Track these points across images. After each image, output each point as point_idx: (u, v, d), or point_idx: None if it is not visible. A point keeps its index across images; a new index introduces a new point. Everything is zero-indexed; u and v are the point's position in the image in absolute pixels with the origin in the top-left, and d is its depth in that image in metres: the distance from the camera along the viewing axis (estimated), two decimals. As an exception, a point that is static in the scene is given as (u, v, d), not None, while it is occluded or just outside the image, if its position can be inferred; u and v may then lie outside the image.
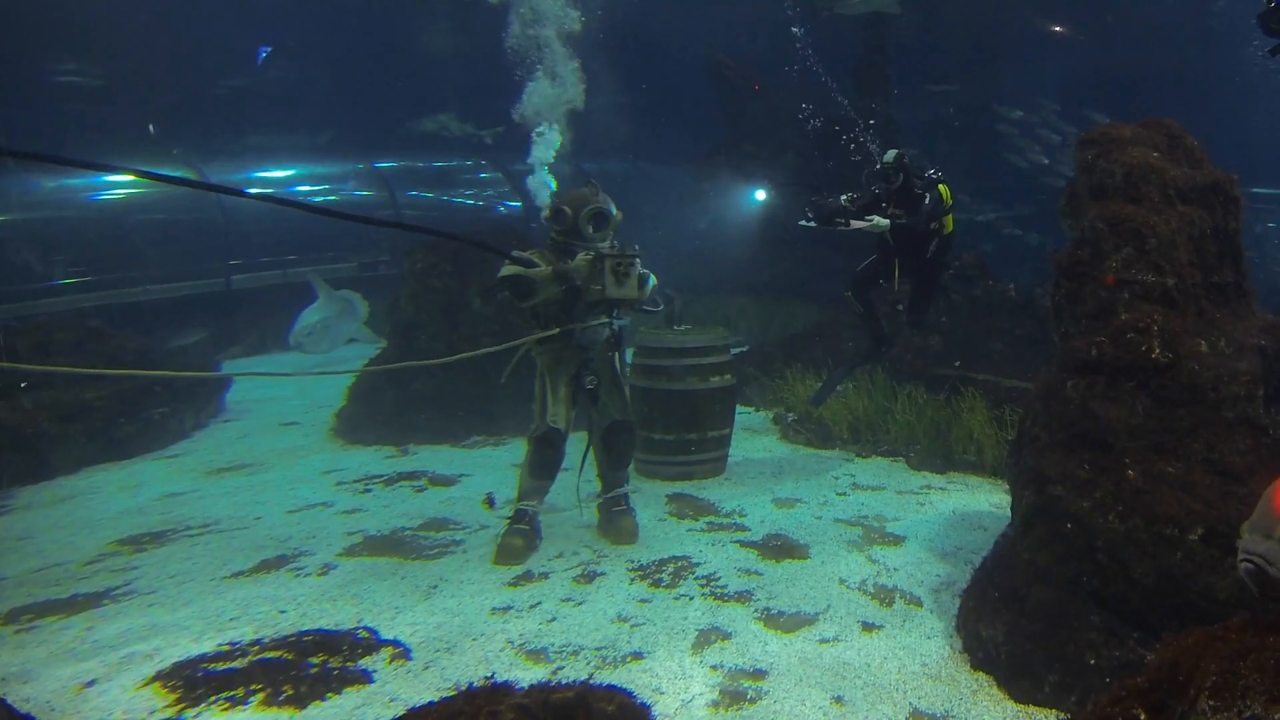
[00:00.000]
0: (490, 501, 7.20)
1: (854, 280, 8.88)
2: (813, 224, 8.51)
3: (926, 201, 8.30)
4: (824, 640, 5.33)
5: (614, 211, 6.68)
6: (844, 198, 8.48)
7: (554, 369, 6.79)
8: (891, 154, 8.49)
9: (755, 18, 22.77)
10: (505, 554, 6.51)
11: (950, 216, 8.59)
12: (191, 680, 4.75)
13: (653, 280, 6.76)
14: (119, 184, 15.62)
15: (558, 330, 6.70)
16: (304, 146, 19.65)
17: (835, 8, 16.50)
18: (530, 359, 6.89)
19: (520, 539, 6.60)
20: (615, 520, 6.91)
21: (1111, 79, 18.89)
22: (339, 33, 22.90)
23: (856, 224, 8.28)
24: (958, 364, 9.84)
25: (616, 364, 6.93)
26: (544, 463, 6.73)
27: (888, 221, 8.24)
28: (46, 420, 8.48)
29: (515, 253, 6.59)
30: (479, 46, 23.44)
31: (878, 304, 9.10)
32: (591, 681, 4.82)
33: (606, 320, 6.70)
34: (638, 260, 6.47)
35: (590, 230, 6.57)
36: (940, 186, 8.40)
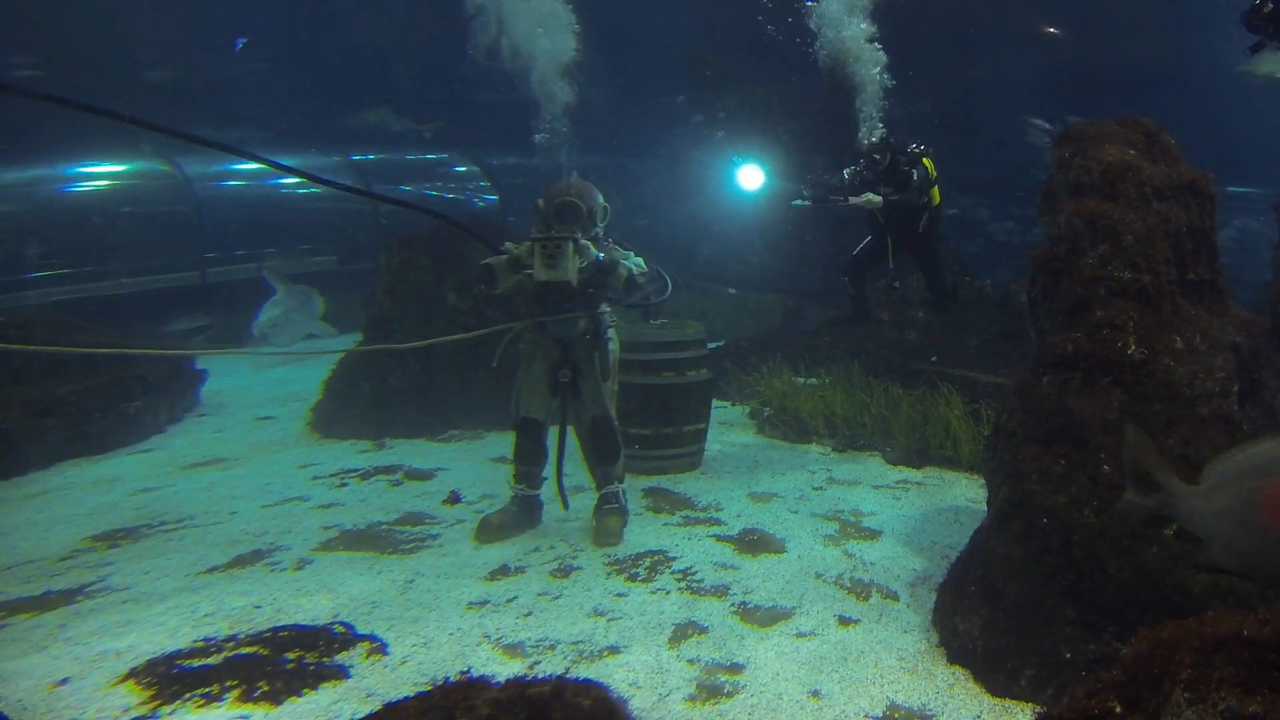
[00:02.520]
0: (455, 498, 7.27)
1: (849, 263, 8.96)
2: (808, 203, 8.54)
3: (915, 177, 8.36)
4: (800, 634, 5.34)
5: (596, 203, 6.66)
6: (846, 172, 8.52)
7: (531, 360, 6.82)
8: (877, 134, 8.52)
9: (732, 9, 22.74)
10: (482, 529, 6.77)
11: (936, 189, 8.66)
12: (166, 677, 4.71)
13: (629, 264, 6.64)
14: (92, 175, 15.49)
15: (529, 321, 6.76)
16: (254, 139, 19.35)
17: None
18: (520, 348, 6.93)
19: (499, 517, 6.85)
20: (599, 518, 6.89)
21: (1090, 75, 18.99)
22: (285, 23, 22.73)
23: (854, 200, 8.33)
24: (934, 359, 9.90)
25: (596, 360, 6.82)
26: (524, 450, 6.89)
27: (880, 199, 8.30)
28: (19, 415, 8.39)
29: (506, 245, 6.67)
30: (420, 38, 23.39)
31: (866, 284, 9.20)
32: (568, 676, 4.80)
33: (579, 313, 6.68)
34: (569, 243, 6.36)
35: (560, 222, 6.55)
36: (925, 160, 8.47)
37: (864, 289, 9.22)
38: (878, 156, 8.45)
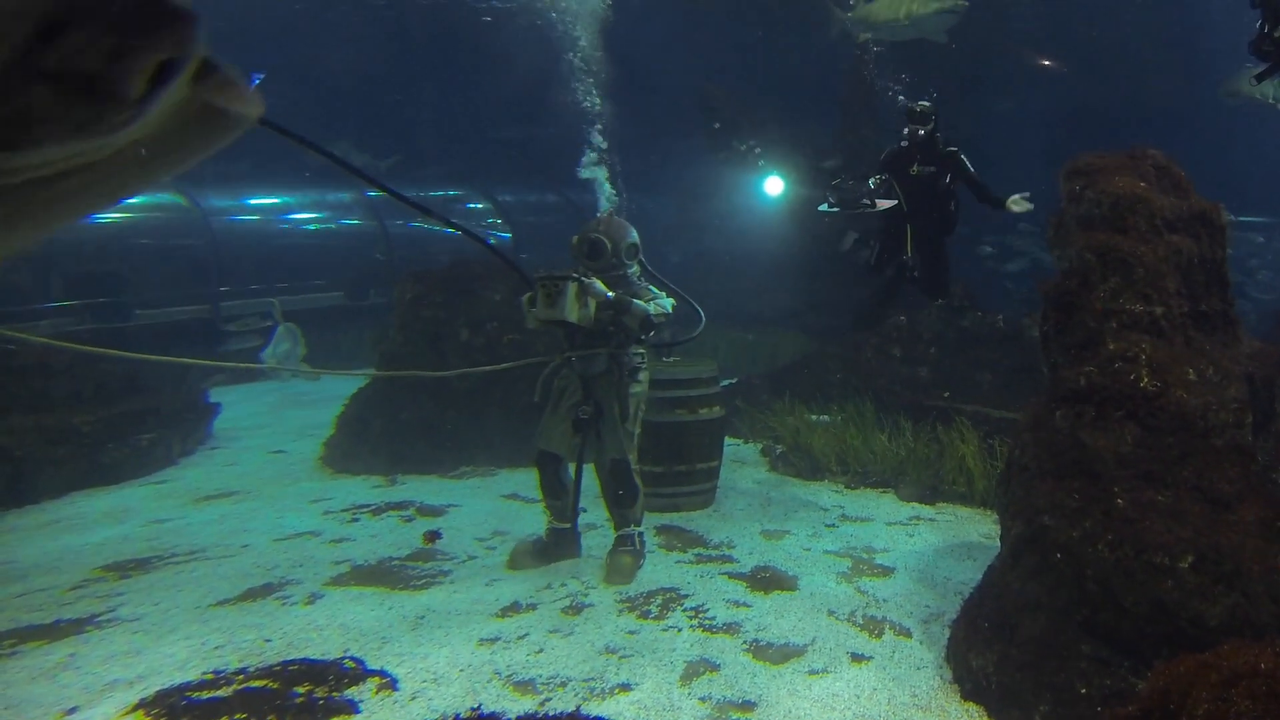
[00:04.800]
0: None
1: (874, 264, 9.01)
2: (835, 209, 8.56)
3: (967, 163, 8.40)
4: (813, 672, 5.30)
5: (625, 241, 6.73)
6: (871, 181, 8.55)
7: (561, 395, 6.85)
8: (924, 103, 8.53)
9: (744, 47, 22.94)
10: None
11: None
12: (175, 709, 4.69)
13: (647, 305, 6.60)
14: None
15: (560, 356, 6.82)
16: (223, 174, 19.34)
17: (877, 35, 16.45)
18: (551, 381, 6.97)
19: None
20: (612, 557, 6.83)
21: (1096, 111, 19.09)
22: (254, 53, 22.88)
23: (882, 204, 8.37)
24: (946, 395, 9.87)
25: (616, 399, 6.77)
26: (545, 483, 6.94)
27: (895, 201, 8.38)
28: (34, 443, 8.44)
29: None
30: (379, 70, 23.54)
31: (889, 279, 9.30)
32: (579, 713, 4.79)
33: (599, 350, 6.69)
34: (569, 283, 6.38)
35: (586, 258, 6.65)
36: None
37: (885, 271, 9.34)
38: (921, 131, 8.47)
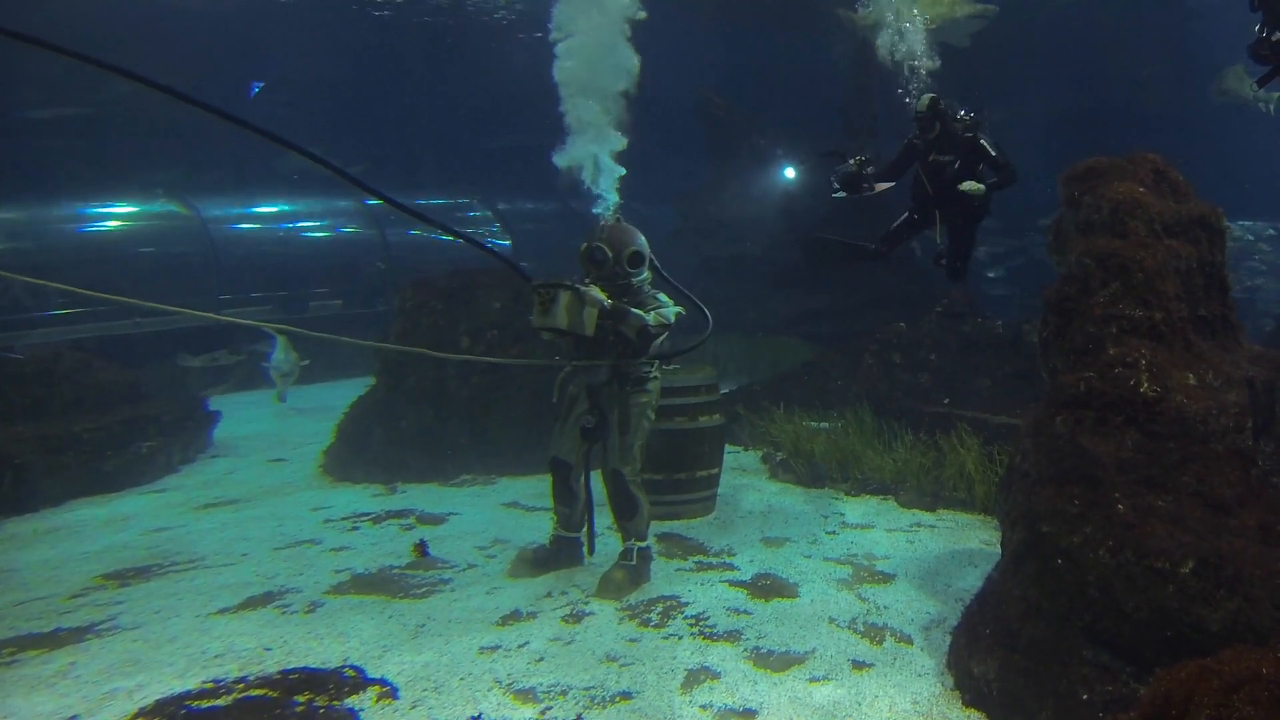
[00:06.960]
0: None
1: (885, 235, 9.00)
2: (843, 193, 8.57)
3: (988, 146, 8.35)
4: (814, 679, 5.28)
5: (627, 248, 6.57)
6: (851, 162, 8.53)
7: (574, 402, 6.84)
8: (926, 99, 8.47)
9: (745, 56, 22.95)
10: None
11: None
12: (174, 717, 4.69)
13: (645, 313, 6.50)
14: (110, 215, 15.68)
15: (569, 365, 6.81)
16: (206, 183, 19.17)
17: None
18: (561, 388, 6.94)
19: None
20: (607, 570, 6.74)
21: (1093, 117, 19.11)
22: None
23: (881, 187, 8.37)
24: (946, 401, 9.85)
25: (617, 410, 6.70)
26: (554, 490, 6.92)
27: (891, 183, 8.40)
28: (34, 451, 8.44)
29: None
30: (349, 76, 23.55)
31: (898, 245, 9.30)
32: None
33: (601, 361, 6.65)
34: (562, 291, 6.30)
35: (592, 265, 6.58)
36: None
37: (893, 247, 9.37)
38: (926, 124, 8.44)
